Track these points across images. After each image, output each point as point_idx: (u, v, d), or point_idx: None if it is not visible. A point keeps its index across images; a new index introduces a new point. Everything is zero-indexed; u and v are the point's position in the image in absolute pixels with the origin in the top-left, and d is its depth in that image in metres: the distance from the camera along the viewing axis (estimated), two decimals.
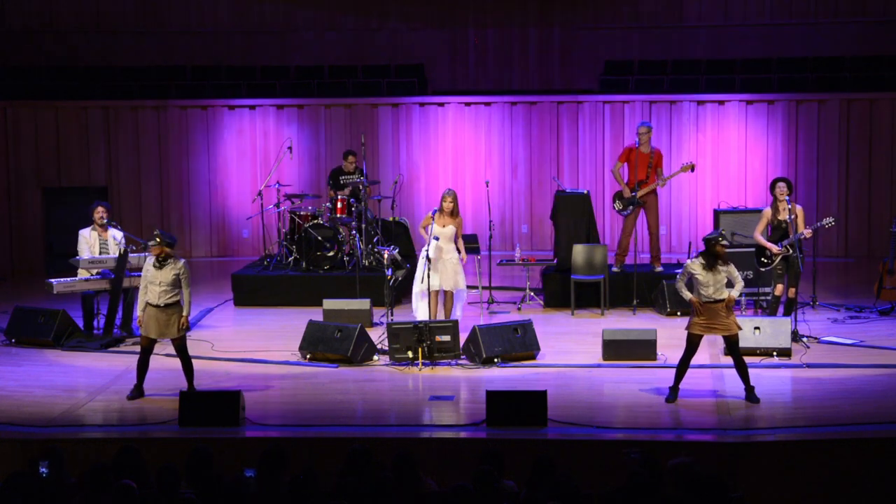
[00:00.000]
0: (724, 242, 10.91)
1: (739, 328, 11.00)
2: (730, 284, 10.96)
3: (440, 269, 13.25)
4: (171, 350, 13.15)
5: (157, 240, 11.07)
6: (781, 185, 13.25)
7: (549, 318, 14.73)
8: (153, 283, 11.06)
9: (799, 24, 19.85)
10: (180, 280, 11.09)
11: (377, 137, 19.41)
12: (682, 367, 10.99)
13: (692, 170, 15.58)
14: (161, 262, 11.05)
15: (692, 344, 10.96)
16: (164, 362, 12.73)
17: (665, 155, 17.71)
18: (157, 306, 11.05)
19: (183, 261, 11.20)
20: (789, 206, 13.15)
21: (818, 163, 18.97)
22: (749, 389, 10.95)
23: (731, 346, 10.94)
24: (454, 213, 13.39)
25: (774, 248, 13.17)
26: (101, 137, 19.38)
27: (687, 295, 10.96)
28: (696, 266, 10.88)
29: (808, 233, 13.17)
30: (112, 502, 7.20)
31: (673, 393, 10.98)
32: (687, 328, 11.03)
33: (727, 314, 10.84)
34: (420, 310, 13.34)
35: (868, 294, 15.12)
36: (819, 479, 9.68)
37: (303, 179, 19.18)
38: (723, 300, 10.79)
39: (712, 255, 10.83)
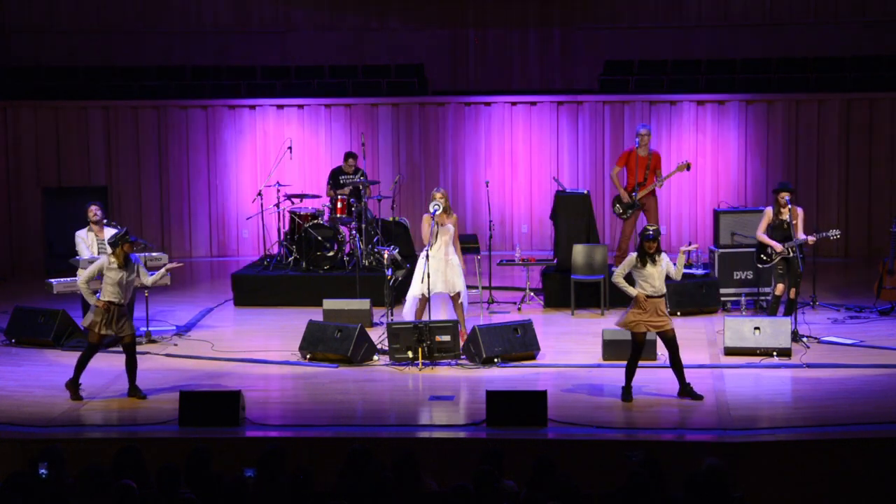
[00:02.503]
0: (650, 233, 10.87)
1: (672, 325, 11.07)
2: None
3: (442, 270, 12.97)
4: (170, 350, 13.23)
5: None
6: (784, 194, 13.28)
7: (549, 318, 14.72)
8: None
9: (799, 24, 19.83)
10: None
11: (377, 137, 19.39)
12: (632, 366, 11.06)
13: (688, 168, 15.57)
14: None
15: (639, 343, 11.06)
16: (163, 362, 12.75)
17: (665, 155, 17.70)
18: None
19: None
20: (790, 207, 13.21)
21: (818, 163, 18.94)
22: (684, 386, 11.03)
23: (669, 341, 10.99)
24: (448, 211, 13.23)
25: (777, 246, 13.19)
26: (101, 137, 19.35)
27: (632, 291, 11.01)
28: (638, 262, 10.95)
29: (811, 239, 13.25)
30: (112, 502, 7.20)
31: (627, 393, 11.03)
32: (625, 326, 11.10)
33: (663, 308, 10.97)
34: (408, 311, 13.05)
35: (868, 294, 15.10)
36: (819, 479, 9.68)
37: (303, 179, 19.16)
38: (664, 294, 10.94)
39: (649, 251, 10.91)
